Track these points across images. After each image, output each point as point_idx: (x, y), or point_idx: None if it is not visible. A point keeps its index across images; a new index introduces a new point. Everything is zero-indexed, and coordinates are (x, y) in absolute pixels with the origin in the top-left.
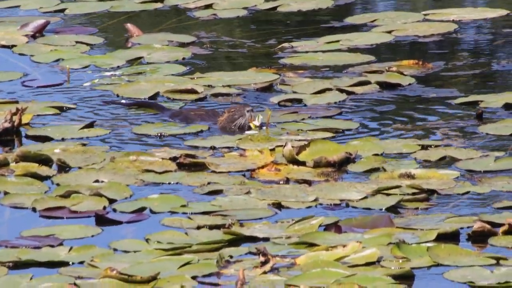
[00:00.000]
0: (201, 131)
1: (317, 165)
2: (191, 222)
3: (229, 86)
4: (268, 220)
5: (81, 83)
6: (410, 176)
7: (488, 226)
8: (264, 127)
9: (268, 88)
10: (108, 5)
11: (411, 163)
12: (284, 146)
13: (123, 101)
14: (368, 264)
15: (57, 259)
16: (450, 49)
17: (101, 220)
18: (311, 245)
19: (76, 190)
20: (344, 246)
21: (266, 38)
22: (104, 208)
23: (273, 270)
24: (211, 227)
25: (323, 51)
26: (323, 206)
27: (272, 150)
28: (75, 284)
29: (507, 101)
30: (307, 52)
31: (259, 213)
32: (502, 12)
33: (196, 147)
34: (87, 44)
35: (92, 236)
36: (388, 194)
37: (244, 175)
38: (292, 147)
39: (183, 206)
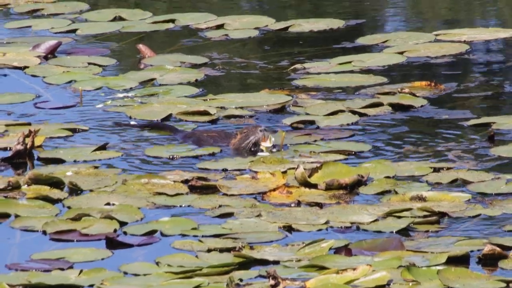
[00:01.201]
0: (213, 153)
1: (329, 187)
2: (202, 245)
3: (241, 107)
4: (279, 243)
5: (94, 105)
6: (421, 198)
7: (498, 249)
8: (276, 149)
9: (281, 110)
10: (120, 25)
11: (422, 185)
12: (296, 168)
13: (133, 122)
14: (378, 287)
15: (67, 282)
16: (462, 70)
17: (112, 243)
18: (321, 268)
19: (87, 213)
20: (354, 269)
21: (278, 59)
22: (115, 231)
23: None
24: (222, 250)
25: (335, 73)
26: (334, 229)
27: (284, 172)
28: None
29: None
30: (319, 73)
31: (269, 236)
32: None
33: (208, 170)
34: (99, 66)
35: (102, 259)
36: (399, 217)
37: (255, 198)
38: (304, 169)
39: (194, 229)
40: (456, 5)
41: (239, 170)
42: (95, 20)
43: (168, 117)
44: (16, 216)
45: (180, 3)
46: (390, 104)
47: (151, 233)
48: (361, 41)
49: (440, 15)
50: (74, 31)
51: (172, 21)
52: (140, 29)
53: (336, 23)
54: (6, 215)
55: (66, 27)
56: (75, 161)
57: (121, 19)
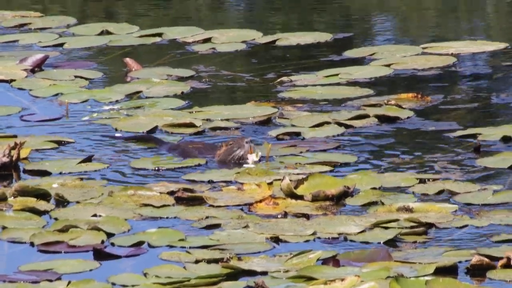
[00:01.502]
0: (199, 164)
1: (315, 199)
2: (189, 256)
3: (227, 119)
4: (266, 254)
5: (80, 118)
6: (408, 209)
7: (486, 260)
8: (262, 161)
9: (267, 122)
10: (107, 39)
11: (409, 196)
12: (282, 180)
13: (117, 134)
14: None
15: None
16: (449, 83)
17: (99, 254)
18: (309, 279)
19: (74, 225)
20: (342, 280)
21: (265, 72)
22: (102, 242)
23: None
24: (209, 261)
25: (322, 85)
26: (321, 240)
27: (270, 184)
28: None
29: (505, 134)
30: (306, 85)
31: (257, 247)
32: (501, 45)
33: (194, 181)
34: (86, 79)
35: (91, 270)
36: (386, 228)
37: (242, 209)
38: (290, 181)
39: (181, 240)
40: (444, 18)
41: (225, 181)
42: (83, 34)
43: (154, 129)
44: (3, 228)
45: (167, 17)
46: (376, 116)
47: (138, 244)
48: (349, 54)
49: (428, 28)
50: (61, 45)
51: (159, 35)
52: (127, 43)
53: (323, 37)
54: None
55: (53, 41)
56: (61, 173)
57: (108, 33)
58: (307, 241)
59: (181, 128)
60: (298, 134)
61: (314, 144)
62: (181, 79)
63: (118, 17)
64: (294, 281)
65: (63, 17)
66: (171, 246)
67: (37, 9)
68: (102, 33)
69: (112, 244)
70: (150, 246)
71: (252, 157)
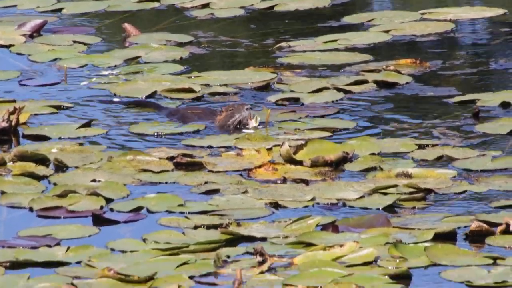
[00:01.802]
0: (198, 130)
1: (314, 164)
2: (188, 222)
3: (226, 85)
4: (266, 220)
5: (79, 83)
6: (407, 175)
7: (485, 226)
8: (261, 126)
9: (265, 87)
10: (105, 4)
11: (408, 162)
12: (281, 145)
13: (116, 99)
14: (365, 264)
15: (54, 259)
16: (447, 48)
17: (98, 219)
18: (309, 245)
19: (73, 190)
20: (341, 246)
21: (263, 37)
22: (101, 207)
23: (271, 270)
24: (209, 227)
25: (321, 51)
26: (320, 205)
27: (269, 149)
28: (72, 284)
29: (504, 100)
30: (304, 51)
31: (256, 212)
32: (499, 11)
33: (193, 147)
34: (85, 44)
35: (89, 236)
36: (385, 194)
37: (241, 175)
38: (289, 146)
39: (180, 205)
40: None
41: (224, 147)
42: None
43: (152, 94)
44: (2, 192)
45: None
46: (375, 82)
47: (137, 209)
48: (347, 19)
49: None
50: (59, 10)
51: (158, 0)
52: (125, 8)
53: (322, 2)
54: None
55: (52, 6)
56: (60, 138)
57: None
58: (306, 206)
59: (180, 93)
60: (297, 99)
61: (313, 110)
62: (179, 44)
63: None
64: (293, 247)
65: None
66: (170, 212)
67: None
68: None
69: (111, 210)
70: (149, 211)
71: (251, 123)
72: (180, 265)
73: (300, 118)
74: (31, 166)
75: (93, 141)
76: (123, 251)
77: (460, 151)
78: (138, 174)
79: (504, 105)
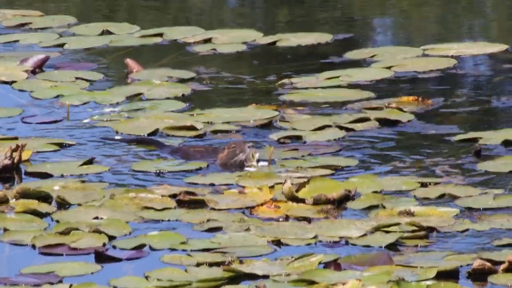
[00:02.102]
0: (201, 168)
1: (316, 202)
2: (191, 259)
3: (228, 122)
4: (268, 257)
5: (81, 120)
6: (409, 213)
7: (488, 264)
8: (262, 164)
9: (268, 125)
10: (108, 39)
11: (410, 200)
12: (284, 183)
13: (117, 137)
14: None
15: None
16: (449, 85)
17: (101, 257)
18: (311, 282)
19: (76, 227)
20: (343, 283)
21: (266, 73)
22: (104, 245)
23: None
24: (211, 264)
25: (323, 87)
26: (322, 243)
27: (272, 187)
28: None
29: (506, 138)
30: (307, 88)
31: (258, 250)
32: (502, 47)
33: (195, 184)
34: (87, 80)
35: (92, 273)
36: (387, 232)
37: (243, 212)
38: (292, 184)
39: (183, 243)
40: (444, 20)
41: (226, 184)
42: (83, 34)
43: (154, 132)
44: (5, 230)
45: (167, 17)
46: (377, 119)
47: (140, 247)
48: (349, 55)
49: (428, 30)
50: (62, 45)
51: (160, 35)
52: (128, 44)
53: (324, 38)
54: None
55: (54, 41)
56: (62, 175)
57: (109, 33)
58: (308, 244)
59: (182, 131)
60: (299, 137)
61: (315, 148)
62: (182, 80)
63: (118, 16)
64: (295, 284)
65: (64, 16)
66: (172, 249)
67: (37, 7)
68: (102, 33)
69: (114, 247)
70: (151, 249)
71: (252, 161)
72: None
73: (303, 156)
74: (33, 204)
75: (95, 178)
76: None
77: (462, 189)
78: (140, 212)
79: (506, 143)
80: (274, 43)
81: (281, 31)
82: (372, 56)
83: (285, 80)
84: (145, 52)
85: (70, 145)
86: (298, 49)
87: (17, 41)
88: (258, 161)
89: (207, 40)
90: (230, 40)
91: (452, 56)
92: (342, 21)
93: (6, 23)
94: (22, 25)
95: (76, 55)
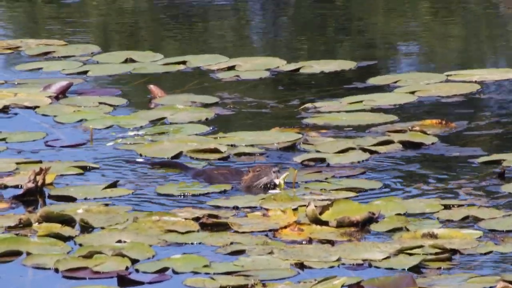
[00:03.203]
0: (225, 190)
1: (340, 225)
2: (214, 283)
3: (252, 145)
4: (291, 280)
5: (105, 143)
6: (433, 236)
7: (511, 286)
8: (288, 187)
9: (291, 148)
10: (131, 67)
11: (433, 223)
12: (307, 206)
13: (139, 159)
14: None
15: None
16: (473, 109)
17: (124, 280)
18: None
19: (99, 251)
20: None
21: (289, 99)
22: (127, 268)
23: None
24: (234, 287)
25: (346, 111)
26: (346, 266)
27: (295, 210)
28: None
29: None
30: (330, 112)
31: (282, 273)
32: None
33: (219, 207)
34: (110, 105)
35: None
36: (410, 254)
37: (267, 235)
38: (315, 207)
39: (206, 266)
40: (468, 46)
41: (250, 207)
42: (106, 61)
43: (178, 155)
44: (28, 253)
45: (191, 45)
46: (401, 142)
47: (163, 270)
48: (372, 81)
49: (452, 56)
50: (85, 72)
51: (183, 62)
52: (151, 71)
53: (347, 65)
54: (17, 253)
55: (77, 69)
56: (86, 198)
57: (132, 61)
58: (331, 267)
59: (205, 154)
60: (322, 160)
61: (339, 170)
62: (205, 105)
63: (142, 45)
64: None
65: (87, 45)
66: (195, 273)
67: (61, 36)
68: (126, 61)
69: (137, 271)
70: (174, 272)
71: (278, 181)
72: None
73: (326, 178)
74: (57, 227)
75: (118, 202)
76: None
77: (486, 212)
78: (163, 235)
79: None
80: (297, 70)
81: (304, 58)
82: (396, 82)
83: (308, 105)
84: (168, 79)
85: (93, 168)
86: (321, 75)
87: (40, 68)
88: (285, 185)
89: (231, 68)
90: (254, 67)
91: (475, 82)
92: (365, 48)
93: (29, 52)
94: (46, 53)
95: (99, 82)
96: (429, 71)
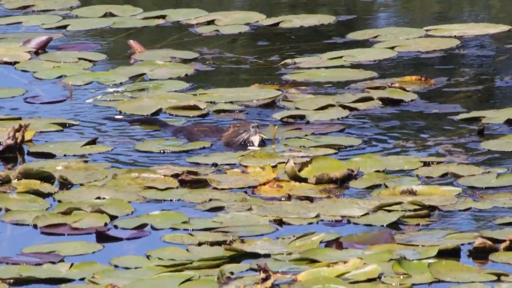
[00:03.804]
0: (204, 147)
1: (319, 181)
2: (192, 239)
3: (231, 102)
4: (269, 237)
5: (84, 100)
6: (411, 192)
7: (489, 242)
8: (268, 144)
9: (271, 104)
10: (110, 21)
11: (412, 179)
12: (286, 162)
13: (117, 116)
14: (369, 280)
15: (58, 275)
16: (452, 65)
17: (102, 236)
18: (312, 261)
19: (78, 207)
20: (345, 262)
21: (268, 54)
22: (105, 224)
23: (274, 286)
24: (212, 244)
25: (326, 67)
26: (324, 222)
27: (274, 166)
28: None
29: (509, 117)
30: (309, 68)
31: (260, 229)
32: (504, 27)
33: (198, 164)
34: (90, 61)
35: (93, 252)
36: (389, 211)
37: (246, 192)
38: (294, 163)
39: (185, 222)
40: (447, 0)
41: (229, 164)
42: (86, 16)
43: (158, 112)
44: (7, 210)
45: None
46: (380, 99)
47: (141, 226)
48: (352, 36)
49: (431, 11)
50: (64, 27)
51: (163, 17)
52: (130, 25)
53: (327, 19)
54: None
55: (57, 23)
56: (65, 155)
57: (111, 15)
58: (310, 223)
59: (185, 111)
60: (302, 117)
61: (318, 127)
62: (184, 61)
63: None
64: (297, 263)
65: None
66: (174, 229)
67: None
68: (105, 15)
69: (115, 227)
70: (153, 228)
71: (256, 140)
72: (184, 281)
73: (305, 135)
74: (36, 184)
75: (97, 158)
76: (126, 268)
77: (465, 168)
78: (142, 192)
79: (509, 122)
80: (277, 24)
81: (284, 13)
82: (375, 37)
83: (288, 60)
84: (147, 34)
85: (73, 125)
86: (301, 30)
87: (19, 23)
88: (262, 140)
89: (210, 22)
90: (233, 21)
91: (455, 37)
92: (344, 2)
93: (8, 5)
94: (25, 7)
95: (78, 36)
96: (408, 26)
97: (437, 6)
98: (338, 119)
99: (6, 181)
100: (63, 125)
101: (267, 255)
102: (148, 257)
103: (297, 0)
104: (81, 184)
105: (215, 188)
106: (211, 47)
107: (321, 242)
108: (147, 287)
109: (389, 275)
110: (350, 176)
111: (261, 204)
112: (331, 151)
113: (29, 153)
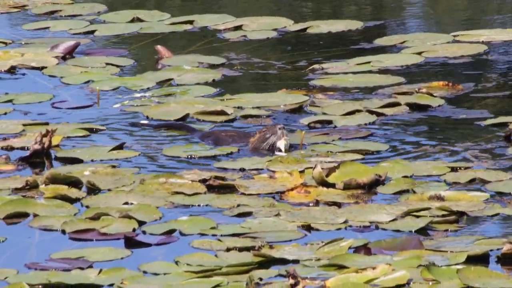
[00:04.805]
0: (231, 152)
1: (347, 187)
2: (221, 244)
3: (259, 107)
4: (298, 242)
5: (111, 105)
6: (439, 198)
7: None
8: (295, 149)
9: (298, 110)
10: (138, 26)
11: (440, 185)
12: (314, 168)
13: (143, 121)
14: (397, 286)
15: (86, 281)
16: (480, 71)
17: (131, 242)
18: (341, 267)
19: (106, 213)
20: (373, 268)
21: (296, 59)
22: (134, 230)
23: None
24: (241, 249)
25: (353, 73)
26: (352, 228)
27: (302, 172)
28: None
29: None
30: (337, 73)
31: (288, 235)
32: None
33: (225, 169)
34: (117, 66)
35: (122, 258)
36: (417, 216)
37: (273, 197)
38: (322, 169)
39: (213, 228)
40: (475, 6)
41: (256, 169)
42: (113, 21)
43: (185, 117)
44: (35, 215)
45: (198, 5)
46: (408, 104)
47: (170, 232)
48: (379, 42)
49: (459, 17)
50: (92, 32)
51: (190, 22)
52: (158, 30)
53: (354, 25)
54: (24, 215)
55: (84, 28)
56: (92, 160)
57: (139, 20)
58: (338, 229)
59: (212, 116)
60: (329, 122)
61: (346, 132)
62: (212, 66)
63: (148, 3)
64: (325, 269)
65: (93, 4)
66: (202, 234)
67: None
68: (133, 20)
69: (144, 232)
70: (181, 234)
71: (283, 144)
72: (213, 287)
73: (333, 140)
74: (63, 189)
75: (125, 164)
76: (155, 274)
77: (493, 174)
78: (170, 197)
79: None
80: (304, 29)
81: (311, 18)
82: (403, 42)
83: (316, 66)
84: (175, 39)
85: (100, 130)
86: (328, 35)
87: (47, 28)
88: (291, 146)
89: (238, 27)
90: (261, 27)
91: (482, 42)
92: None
93: (36, 10)
94: (52, 12)
95: (106, 42)
96: (436, 31)
97: (464, 11)
98: (365, 124)
99: (34, 186)
100: (91, 130)
101: (296, 261)
102: (176, 262)
103: (323, 9)
104: (109, 189)
105: (242, 194)
106: (238, 53)
107: (349, 248)
108: None
109: (418, 281)
110: (377, 182)
111: (289, 210)
112: (359, 156)
113: (56, 158)
